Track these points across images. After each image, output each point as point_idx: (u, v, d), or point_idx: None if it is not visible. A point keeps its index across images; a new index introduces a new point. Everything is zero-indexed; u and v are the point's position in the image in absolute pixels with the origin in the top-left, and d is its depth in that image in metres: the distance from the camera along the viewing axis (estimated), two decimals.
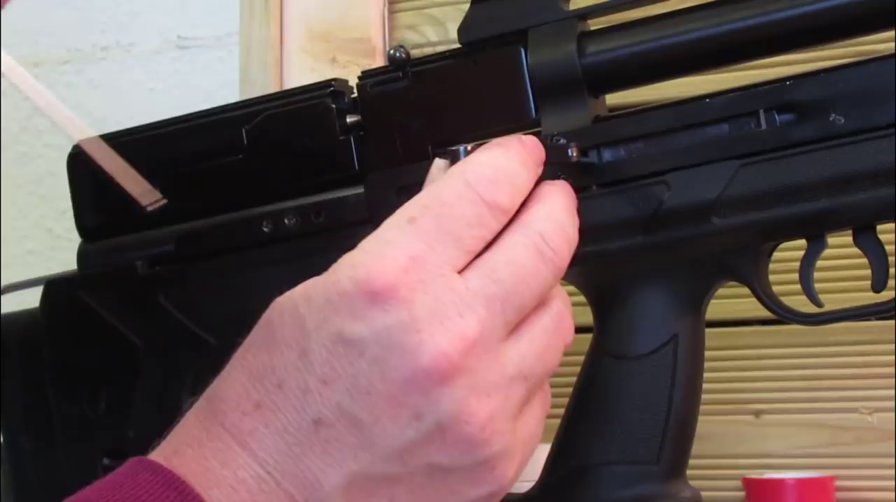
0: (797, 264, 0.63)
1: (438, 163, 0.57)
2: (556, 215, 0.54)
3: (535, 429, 0.54)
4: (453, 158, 0.55)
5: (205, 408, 0.52)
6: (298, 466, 0.49)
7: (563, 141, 0.63)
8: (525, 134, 0.65)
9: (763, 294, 0.64)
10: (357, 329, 0.50)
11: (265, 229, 0.70)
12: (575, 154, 0.62)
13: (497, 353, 0.51)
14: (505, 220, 0.53)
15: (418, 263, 0.50)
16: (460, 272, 0.51)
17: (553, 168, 0.63)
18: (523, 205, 0.55)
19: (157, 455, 0.51)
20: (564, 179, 0.64)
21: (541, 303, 0.53)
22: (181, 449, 0.50)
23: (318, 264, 0.67)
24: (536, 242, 0.53)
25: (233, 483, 0.49)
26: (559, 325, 0.54)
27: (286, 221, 0.70)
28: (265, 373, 0.51)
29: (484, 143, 0.55)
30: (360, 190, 0.68)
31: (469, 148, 0.55)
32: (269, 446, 0.50)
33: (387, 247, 0.51)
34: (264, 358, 0.51)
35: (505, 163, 0.54)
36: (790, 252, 0.66)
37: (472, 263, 0.52)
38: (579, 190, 0.64)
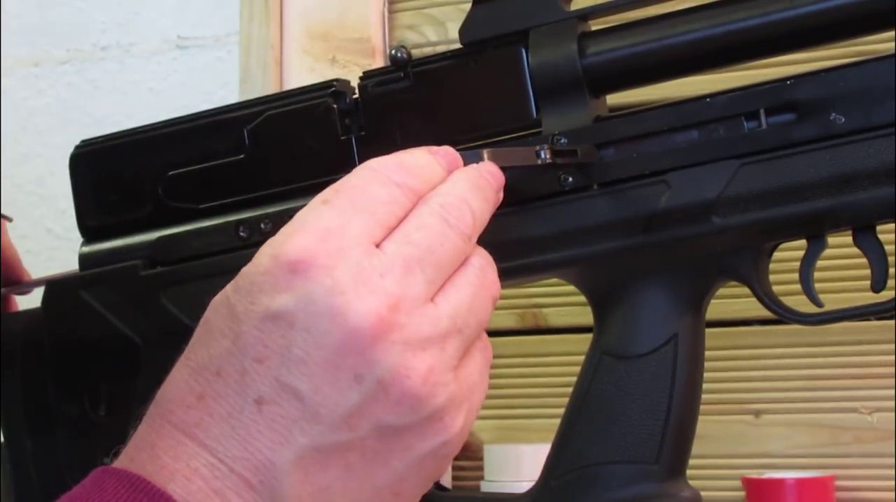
0: (797, 264, 0.63)
1: None
2: (457, 190, 0.55)
3: (478, 378, 0.54)
4: None
5: (153, 413, 0.52)
6: (248, 449, 0.50)
7: (563, 141, 0.64)
8: (525, 135, 0.65)
9: (763, 294, 0.64)
10: (282, 301, 0.50)
11: (242, 234, 0.71)
12: (548, 156, 0.62)
13: (426, 309, 0.52)
14: (415, 199, 0.54)
15: (335, 234, 0.51)
16: (377, 244, 0.52)
17: (552, 169, 0.63)
18: None
19: (117, 466, 0.51)
20: (565, 178, 0.64)
21: (462, 264, 0.55)
22: (136, 455, 0.51)
23: None
24: (439, 211, 0.54)
25: (186, 474, 0.49)
26: (483, 279, 0.55)
27: (262, 226, 0.70)
28: (204, 365, 0.51)
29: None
30: None
31: None
32: (216, 434, 0.50)
33: (303, 224, 0.52)
34: (202, 352, 0.52)
35: (409, 157, 0.56)
36: (790, 252, 0.66)
37: (388, 236, 0.53)
38: (579, 190, 0.64)
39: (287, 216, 0.69)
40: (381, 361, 0.50)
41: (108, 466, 0.51)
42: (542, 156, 0.62)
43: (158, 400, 0.52)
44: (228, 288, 0.53)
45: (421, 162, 0.56)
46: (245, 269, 0.52)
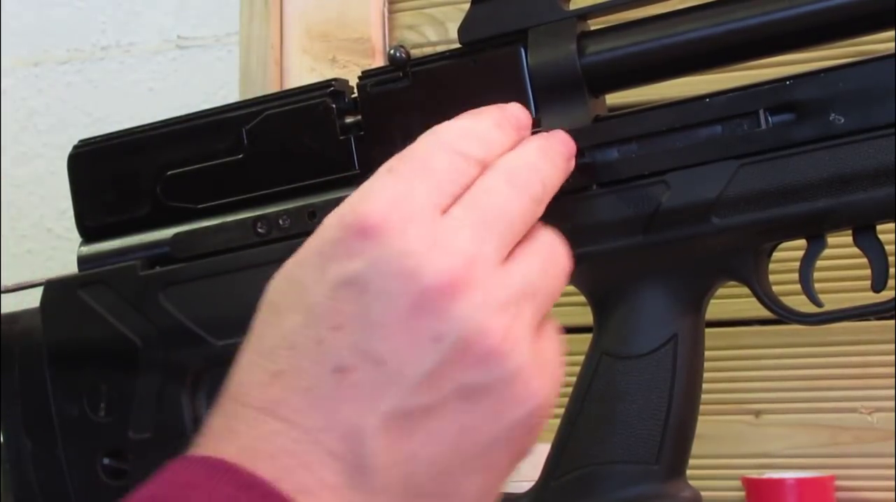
0: (797, 264, 0.63)
1: None
2: (526, 156, 0.55)
3: (556, 355, 0.53)
4: None
5: (224, 404, 0.51)
6: (331, 419, 0.48)
7: None
8: None
9: (763, 294, 0.64)
10: (354, 266, 0.49)
11: (260, 230, 0.71)
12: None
13: (499, 271, 0.51)
14: (480, 168, 0.54)
15: (404, 200, 0.51)
16: (444, 211, 0.52)
17: None
18: None
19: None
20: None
21: (529, 236, 0.54)
22: (215, 445, 0.49)
23: None
24: (506, 177, 0.53)
25: (271, 451, 0.48)
26: (553, 250, 0.54)
27: (280, 222, 0.70)
28: (276, 344, 0.50)
29: None
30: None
31: None
32: (298, 407, 0.49)
33: (370, 192, 0.51)
34: (272, 331, 0.51)
35: (474, 123, 0.55)
36: (790, 252, 0.66)
37: (453, 203, 0.52)
38: (579, 190, 0.64)
39: (306, 211, 0.70)
40: (460, 319, 0.49)
41: (184, 456, 0.49)
42: None
43: (228, 388, 0.51)
44: (290, 265, 0.52)
45: (484, 128, 0.55)
46: (308, 243, 0.52)
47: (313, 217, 0.69)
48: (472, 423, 0.50)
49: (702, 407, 0.66)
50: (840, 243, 0.65)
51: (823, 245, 0.63)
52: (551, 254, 0.54)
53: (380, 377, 0.49)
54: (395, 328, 0.49)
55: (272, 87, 1.11)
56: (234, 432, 0.49)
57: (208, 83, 1.26)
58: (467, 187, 0.53)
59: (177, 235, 0.73)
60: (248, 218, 0.71)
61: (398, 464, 0.49)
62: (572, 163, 0.59)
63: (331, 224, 0.51)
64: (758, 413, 0.97)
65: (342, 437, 0.48)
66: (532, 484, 0.67)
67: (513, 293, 0.51)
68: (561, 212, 0.64)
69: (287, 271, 0.52)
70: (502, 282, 0.51)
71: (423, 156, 0.53)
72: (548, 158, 0.56)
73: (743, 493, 0.95)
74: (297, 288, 0.51)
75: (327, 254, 0.50)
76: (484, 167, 0.54)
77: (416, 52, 0.71)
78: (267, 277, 0.70)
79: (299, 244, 0.69)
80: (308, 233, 0.69)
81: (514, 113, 0.58)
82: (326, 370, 0.49)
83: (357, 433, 0.48)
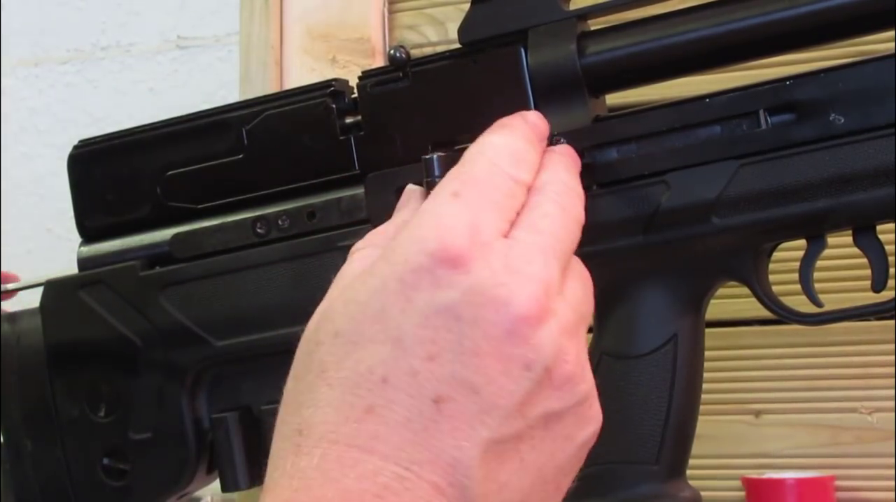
0: (797, 264, 0.63)
1: (411, 187, 0.60)
2: (560, 177, 0.56)
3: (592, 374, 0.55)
4: (427, 168, 0.58)
5: (301, 445, 0.49)
6: (433, 452, 0.48)
7: (562, 141, 0.64)
8: None
9: (763, 294, 0.64)
10: (447, 296, 0.49)
11: (259, 230, 0.71)
12: None
13: (562, 296, 0.52)
14: (527, 191, 0.55)
15: (477, 229, 0.51)
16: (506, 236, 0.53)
17: None
18: None
19: None
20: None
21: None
22: (315, 490, 0.48)
23: (313, 264, 0.68)
24: (555, 199, 0.55)
25: (377, 491, 0.47)
26: (586, 274, 0.56)
27: (280, 223, 0.70)
28: (362, 377, 0.49)
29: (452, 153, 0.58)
30: (356, 191, 0.68)
31: (440, 155, 0.58)
32: (397, 442, 0.48)
33: (445, 219, 0.51)
34: (351, 365, 0.50)
35: (514, 142, 0.56)
36: (790, 252, 0.66)
37: (514, 225, 0.53)
38: None
39: (305, 212, 0.70)
40: (545, 347, 0.50)
41: None
42: None
43: (302, 428, 0.50)
44: (358, 291, 0.51)
45: (523, 147, 0.56)
46: (380, 269, 0.51)
47: (312, 217, 0.70)
48: (551, 448, 0.51)
49: (702, 407, 0.66)
50: (840, 243, 0.65)
51: (823, 245, 0.63)
52: (586, 277, 0.55)
53: (476, 406, 0.49)
54: (489, 357, 0.49)
55: (272, 88, 1.11)
56: (326, 474, 0.48)
57: (208, 83, 1.26)
58: (518, 212, 0.54)
59: (176, 235, 0.73)
60: (248, 218, 0.71)
61: (493, 494, 0.49)
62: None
63: (410, 251, 0.51)
64: (758, 413, 0.97)
65: (444, 470, 0.48)
66: None
67: (577, 316, 0.52)
68: None
69: (356, 297, 0.51)
70: (568, 307, 0.52)
71: (484, 182, 0.53)
72: (573, 175, 0.58)
73: (743, 493, 0.95)
74: (378, 316, 0.50)
75: (412, 284, 0.50)
76: (528, 189, 0.55)
77: (416, 52, 0.71)
78: (266, 277, 0.70)
79: (299, 244, 0.69)
80: (307, 233, 0.69)
81: (538, 124, 0.59)
82: (424, 402, 0.49)
83: (459, 464, 0.48)
